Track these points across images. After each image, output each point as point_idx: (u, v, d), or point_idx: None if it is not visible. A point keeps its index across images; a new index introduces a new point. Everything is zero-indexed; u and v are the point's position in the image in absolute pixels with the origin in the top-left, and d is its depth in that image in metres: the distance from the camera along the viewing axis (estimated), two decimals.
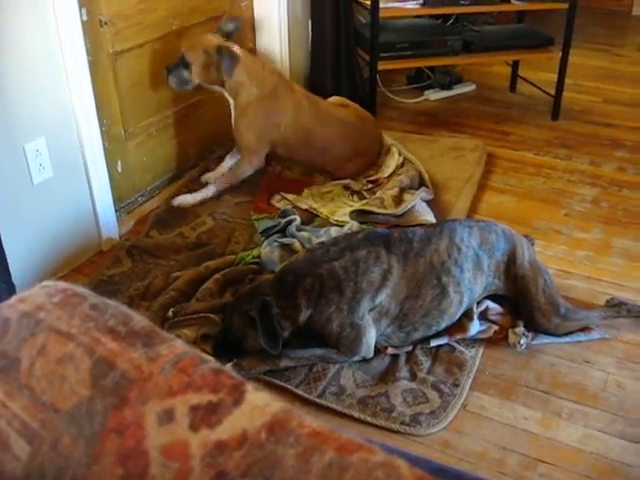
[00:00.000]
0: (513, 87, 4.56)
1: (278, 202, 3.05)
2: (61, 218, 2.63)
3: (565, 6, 3.85)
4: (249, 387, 0.59)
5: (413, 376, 2.18)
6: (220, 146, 3.47)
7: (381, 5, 3.61)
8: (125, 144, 2.99)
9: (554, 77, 4.04)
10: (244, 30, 3.62)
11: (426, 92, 4.39)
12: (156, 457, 0.58)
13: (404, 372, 2.19)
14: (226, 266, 2.58)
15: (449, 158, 3.45)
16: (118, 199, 2.94)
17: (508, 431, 2.01)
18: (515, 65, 4.50)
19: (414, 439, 1.98)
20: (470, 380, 2.17)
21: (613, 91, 4.59)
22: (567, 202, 3.20)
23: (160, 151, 3.21)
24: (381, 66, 3.73)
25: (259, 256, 2.62)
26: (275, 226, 2.75)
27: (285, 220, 2.76)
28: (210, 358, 0.66)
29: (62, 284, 0.79)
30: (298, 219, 2.79)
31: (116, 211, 2.90)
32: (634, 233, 2.96)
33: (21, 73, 2.33)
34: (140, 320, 0.71)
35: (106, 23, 2.75)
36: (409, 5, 3.72)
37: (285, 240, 2.68)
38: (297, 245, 2.65)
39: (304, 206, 2.99)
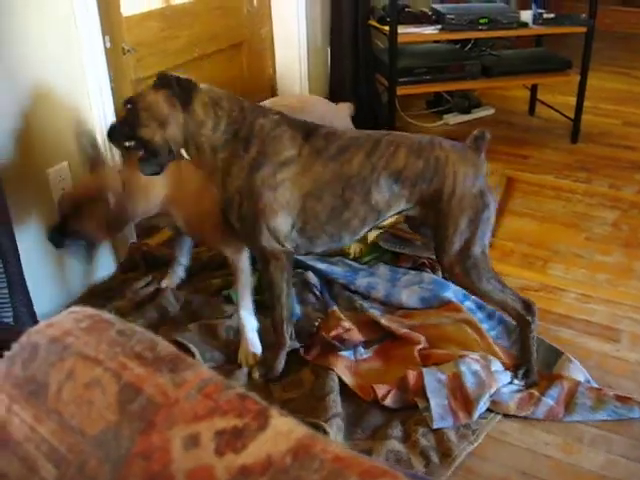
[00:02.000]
0: (532, 110, 4.57)
1: None
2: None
3: (583, 30, 3.86)
4: (274, 412, 0.60)
5: (406, 437, 2.03)
6: None
7: (399, 31, 3.64)
8: None
9: (573, 100, 4.05)
10: (264, 56, 3.67)
11: (445, 116, 4.41)
12: None
13: (397, 431, 2.04)
14: None
15: None
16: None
17: (529, 456, 2.00)
18: (534, 89, 4.52)
19: None
20: (466, 452, 2.01)
21: (632, 114, 4.58)
22: (587, 225, 3.19)
23: None
24: (400, 91, 3.75)
25: None
26: None
27: None
28: (235, 384, 0.67)
29: (89, 310, 0.81)
30: None
31: (137, 237, 2.93)
32: None
33: (45, 99, 2.37)
34: (166, 346, 0.73)
35: (129, 50, 2.80)
36: (427, 31, 3.74)
37: None
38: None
39: None
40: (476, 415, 2.10)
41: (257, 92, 3.65)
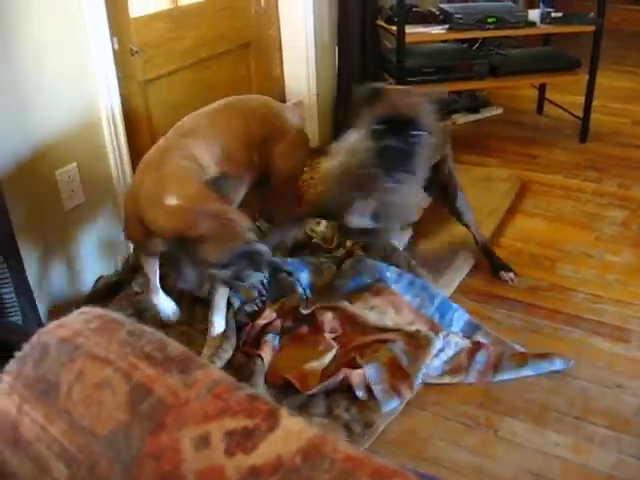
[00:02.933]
0: (540, 110, 4.56)
1: None
2: (92, 243, 2.67)
3: (592, 29, 3.85)
4: (284, 412, 0.60)
5: (328, 412, 2.12)
6: None
7: (407, 31, 3.63)
8: None
9: (581, 99, 4.03)
10: (272, 56, 3.67)
11: (453, 116, 4.40)
12: None
13: (320, 408, 2.14)
14: None
15: (479, 189, 3.41)
16: None
17: (539, 457, 1.99)
18: (542, 88, 4.51)
19: (445, 465, 1.97)
20: (387, 422, 2.11)
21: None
22: (597, 225, 3.18)
23: None
24: None
25: None
26: None
27: None
28: (245, 385, 0.67)
29: (99, 310, 0.81)
30: None
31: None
32: None
33: (54, 100, 2.38)
34: (176, 346, 0.73)
35: (137, 52, 2.80)
36: (435, 30, 3.74)
37: None
38: None
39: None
40: (415, 388, 2.20)
41: (265, 92, 3.65)
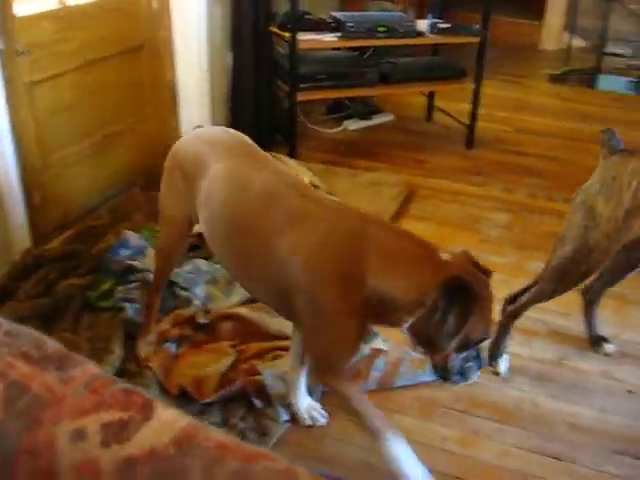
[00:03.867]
0: (429, 117, 4.70)
1: None
2: None
3: (477, 40, 4.02)
4: (158, 404, 0.61)
5: (224, 422, 2.12)
6: (141, 177, 3.44)
7: (299, 37, 3.68)
8: (42, 175, 2.95)
9: (468, 107, 4.19)
10: (164, 60, 3.63)
11: (345, 122, 4.49)
12: (69, 475, 0.59)
13: (216, 417, 2.13)
14: None
15: (367, 193, 3.48)
16: (35, 231, 2.89)
17: (428, 451, 2.05)
18: (431, 96, 4.65)
19: (338, 463, 2.01)
20: (283, 429, 2.13)
21: (524, 121, 4.78)
22: (481, 228, 3.32)
23: (79, 182, 3.18)
24: (300, 97, 3.79)
25: None
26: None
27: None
28: (121, 380, 0.68)
29: None
30: None
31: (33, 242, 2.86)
32: (545, 256, 3.08)
33: None
34: (53, 344, 0.72)
35: (23, 52, 2.73)
36: (327, 38, 3.80)
37: None
38: None
39: None
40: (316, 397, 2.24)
41: (157, 96, 3.62)
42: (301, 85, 3.79)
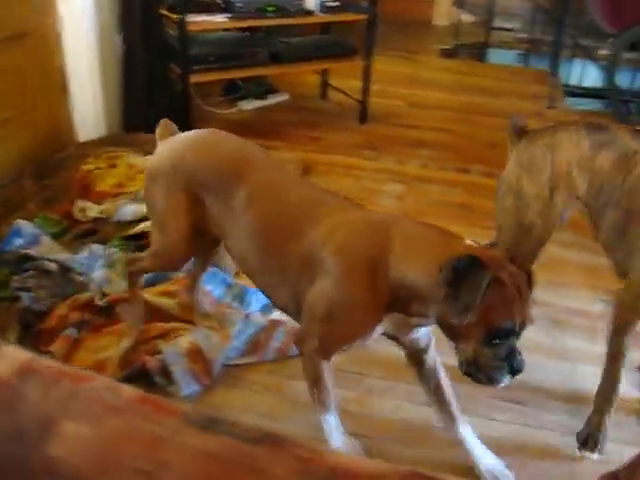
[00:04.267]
0: (324, 95, 4.79)
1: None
2: None
3: (365, 17, 4.12)
4: (2, 343, 0.66)
5: None
6: (32, 165, 3.38)
7: (189, 19, 3.69)
8: None
9: (361, 84, 4.30)
10: (52, 47, 3.58)
11: (240, 102, 4.52)
12: None
13: None
14: None
15: None
16: None
17: None
18: (324, 74, 4.74)
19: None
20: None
21: (416, 95, 4.93)
22: (376, 199, 3.43)
23: None
24: (193, 79, 3.81)
25: None
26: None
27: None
28: None
29: None
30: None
31: None
32: (439, 222, 3.21)
33: None
34: None
35: None
36: (217, 18, 3.82)
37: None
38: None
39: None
40: (215, 373, 2.30)
41: (45, 84, 3.57)
42: (193, 67, 3.80)
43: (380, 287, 1.68)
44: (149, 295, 2.53)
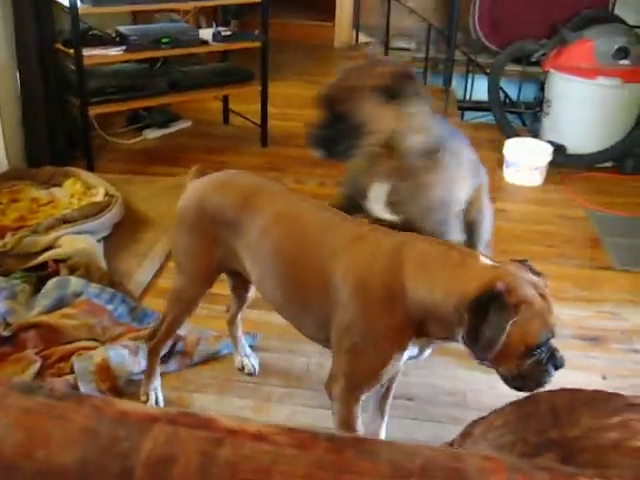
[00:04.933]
0: (226, 120, 4.94)
1: None
2: None
3: (258, 44, 4.30)
4: None
5: None
6: None
7: (85, 53, 3.77)
8: None
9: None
10: None
11: (144, 132, 4.62)
12: None
13: None
14: None
15: (168, 197, 3.58)
16: None
17: None
18: (225, 100, 4.88)
19: None
20: None
21: (314, 116, 5.10)
22: None
23: None
24: (92, 111, 3.89)
25: None
26: None
27: None
28: None
29: None
30: None
31: None
32: None
33: None
34: None
35: None
36: (112, 52, 3.92)
37: None
38: None
39: None
40: (121, 388, 2.41)
41: None
42: (92, 99, 3.89)
43: (401, 313, 1.67)
44: (47, 317, 2.62)
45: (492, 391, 2.39)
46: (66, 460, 0.66)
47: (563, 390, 1.17)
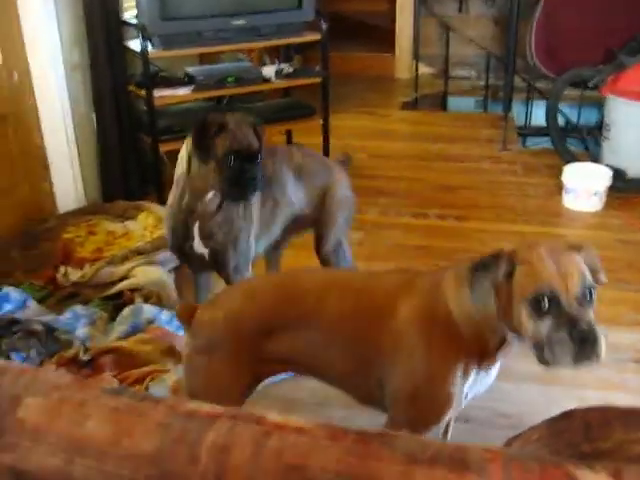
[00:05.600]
0: None
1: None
2: None
3: (319, 80, 4.47)
4: None
5: None
6: (17, 238, 3.66)
7: (156, 94, 4.01)
8: None
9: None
10: (31, 128, 3.88)
11: None
12: None
13: None
14: None
15: None
16: None
17: None
18: (289, 134, 5.06)
19: None
20: None
21: (377, 147, 5.26)
22: None
23: None
24: (162, 148, 4.11)
25: None
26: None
27: None
28: None
29: None
30: None
31: None
32: (396, 262, 3.51)
33: None
34: None
35: None
36: (181, 92, 4.15)
37: None
38: None
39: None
40: None
41: (27, 163, 3.86)
42: (163, 137, 4.11)
43: (456, 340, 1.71)
44: (124, 342, 2.79)
45: (548, 413, 2.43)
46: (146, 447, 0.83)
47: (597, 407, 1.24)
